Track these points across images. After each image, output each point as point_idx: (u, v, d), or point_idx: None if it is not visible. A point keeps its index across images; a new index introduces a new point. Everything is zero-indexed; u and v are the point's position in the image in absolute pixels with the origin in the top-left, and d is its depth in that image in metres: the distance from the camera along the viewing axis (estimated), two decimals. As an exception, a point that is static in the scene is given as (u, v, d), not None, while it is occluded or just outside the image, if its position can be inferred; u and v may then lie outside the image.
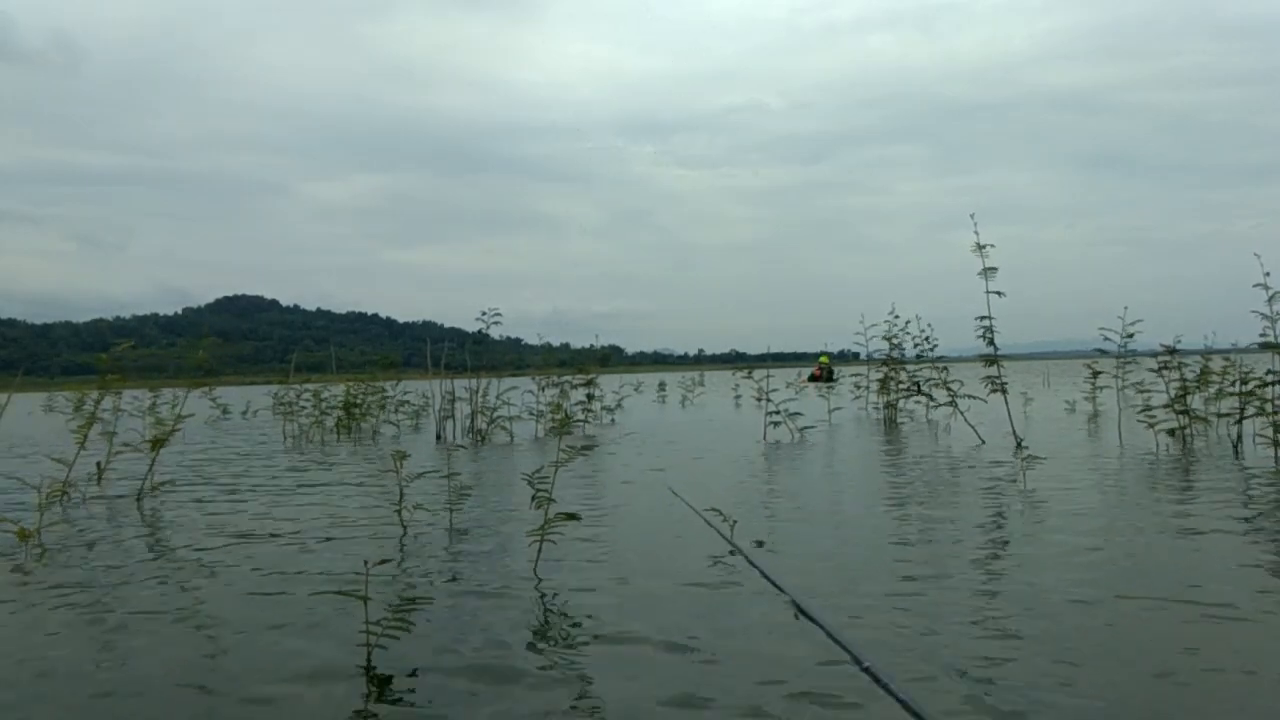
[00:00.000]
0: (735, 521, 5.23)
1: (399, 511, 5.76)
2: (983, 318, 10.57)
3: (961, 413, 11.80)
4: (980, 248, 10.27)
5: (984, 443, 10.52)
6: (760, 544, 5.04)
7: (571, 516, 4.57)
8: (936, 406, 13.49)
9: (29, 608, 4.19)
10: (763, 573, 4.28)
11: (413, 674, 3.11)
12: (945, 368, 13.59)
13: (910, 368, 15.30)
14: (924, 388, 14.34)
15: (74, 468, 7.38)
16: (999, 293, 10.35)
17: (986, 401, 11.67)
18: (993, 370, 10.76)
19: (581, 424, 14.53)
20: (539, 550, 4.54)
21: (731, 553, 4.81)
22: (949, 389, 12.45)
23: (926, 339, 14.83)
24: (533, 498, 4.58)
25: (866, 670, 2.96)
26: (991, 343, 10.65)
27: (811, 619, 3.54)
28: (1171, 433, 9.70)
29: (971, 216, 10.26)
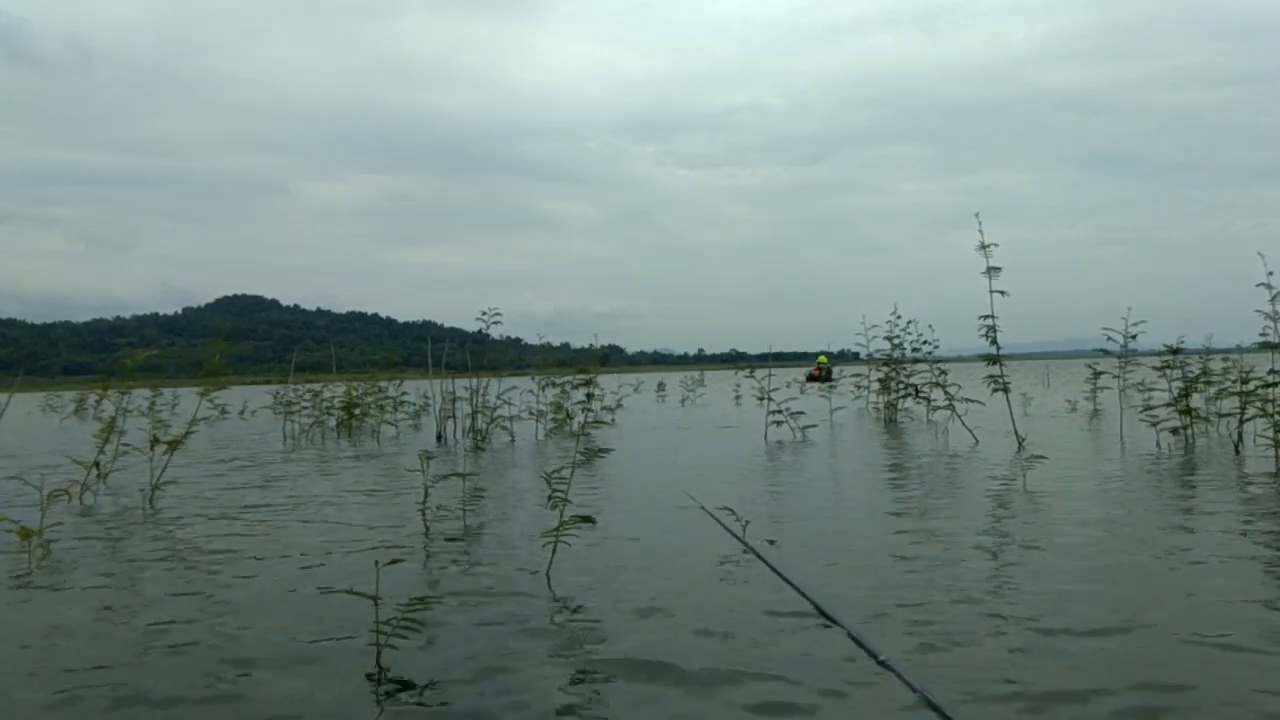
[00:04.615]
0: (748, 521, 5.21)
1: (423, 511, 5.71)
2: (985, 317, 10.55)
3: (959, 416, 11.80)
4: (984, 247, 10.26)
5: (978, 443, 10.51)
6: (772, 543, 5.04)
7: (587, 520, 4.49)
8: (936, 409, 13.49)
9: (24, 605, 4.18)
10: (777, 571, 4.28)
11: (425, 680, 3.10)
12: (945, 370, 13.59)
13: (909, 368, 15.30)
14: (922, 390, 14.35)
15: (89, 469, 7.57)
16: (1002, 292, 10.34)
17: (985, 405, 11.67)
18: (995, 369, 10.75)
19: (582, 425, 14.49)
20: (553, 552, 4.50)
21: (744, 552, 4.80)
22: (947, 392, 12.45)
23: (925, 341, 14.82)
24: (549, 498, 4.53)
25: (884, 664, 2.96)
26: (994, 342, 10.64)
27: (828, 617, 3.53)
28: (1174, 432, 9.70)
29: (976, 216, 10.27)
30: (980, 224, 10.25)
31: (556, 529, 4.38)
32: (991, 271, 10.27)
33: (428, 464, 5.61)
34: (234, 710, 2.86)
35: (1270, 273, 8.57)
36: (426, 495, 5.69)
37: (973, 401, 11.77)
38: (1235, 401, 9.48)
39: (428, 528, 5.71)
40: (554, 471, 4.55)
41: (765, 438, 12.11)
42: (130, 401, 8.83)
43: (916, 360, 15.09)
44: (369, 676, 3.09)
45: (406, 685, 3.01)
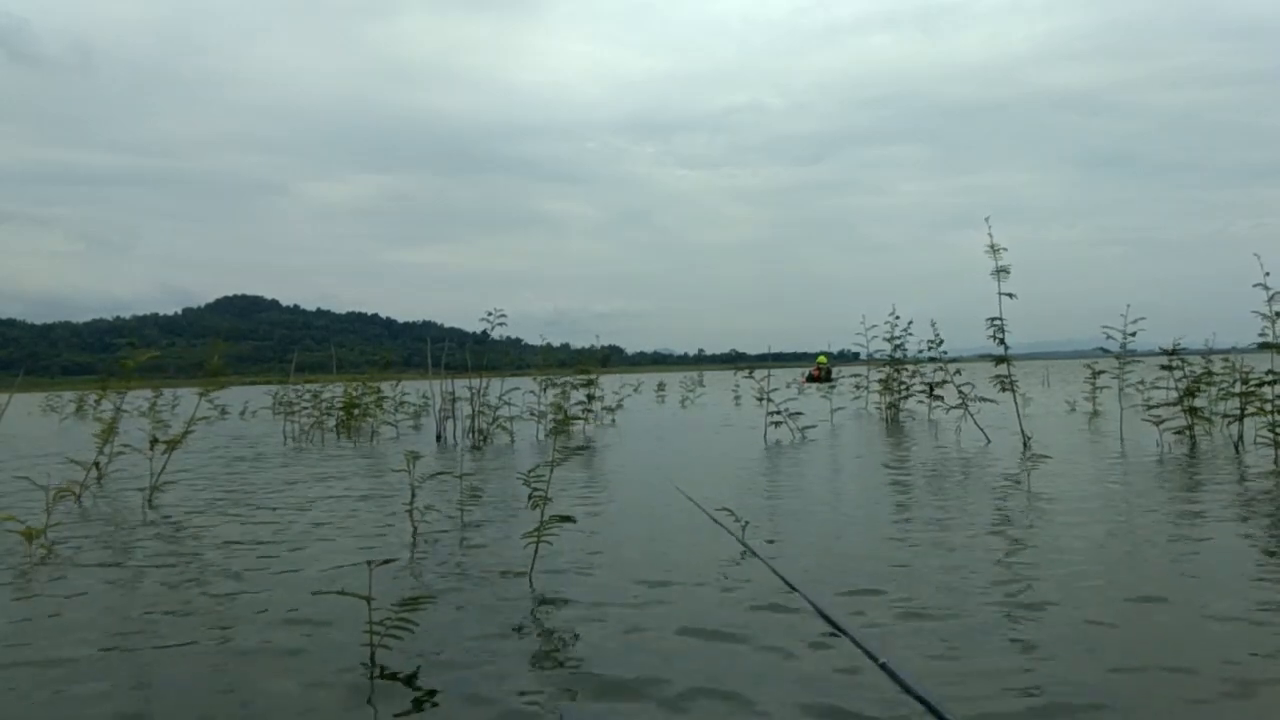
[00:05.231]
0: (746, 522, 5.21)
1: (410, 512, 5.72)
2: (994, 319, 10.55)
3: (972, 415, 11.78)
4: (994, 249, 10.24)
5: (990, 442, 10.51)
6: (770, 543, 5.03)
7: (566, 519, 4.48)
8: (949, 409, 13.45)
9: (26, 605, 4.18)
10: (777, 573, 4.27)
11: (414, 674, 3.10)
12: (958, 370, 13.50)
13: (914, 368, 15.26)
14: (936, 390, 14.27)
15: (88, 469, 7.58)
16: (1010, 294, 10.32)
17: (997, 403, 11.66)
18: (1002, 369, 10.76)
19: (581, 425, 14.50)
20: (535, 552, 4.50)
21: (743, 554, 4.79)
22: (960, 391, 12.42)
23: (940, 340, 14.65)
24: (529, 497, 4.53)
25: (883, 667, 2.95)
26: (1002, 342, 10.64)
27: (827, 618, 3.53)
28: (1177, 432, 9.71)
29: (986, 220, 10.24)
30: (990, 226, 10.23)
31: (537, 529, 4.38)
32: (1000, 273, 10.26)
33: (414, 464, 5.60)
34: (229, 709, 2.86)
35: (1268, 273, 8.58)
36: (414, 496, 5.72)
37: (987, 400, 11.75)
38: (1235, 401, 9.49)
39: (415, 527, 5.71)
40: (531, 470, 4.53)
41: (765, 438, 12.11)
42: (131, 402, 8.83)
43: (931, 360, 15.00)
44: (362, 676, 3.10)
45: (399, 685, 3.01)
